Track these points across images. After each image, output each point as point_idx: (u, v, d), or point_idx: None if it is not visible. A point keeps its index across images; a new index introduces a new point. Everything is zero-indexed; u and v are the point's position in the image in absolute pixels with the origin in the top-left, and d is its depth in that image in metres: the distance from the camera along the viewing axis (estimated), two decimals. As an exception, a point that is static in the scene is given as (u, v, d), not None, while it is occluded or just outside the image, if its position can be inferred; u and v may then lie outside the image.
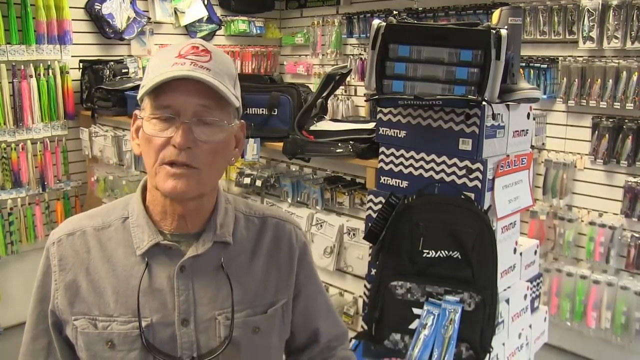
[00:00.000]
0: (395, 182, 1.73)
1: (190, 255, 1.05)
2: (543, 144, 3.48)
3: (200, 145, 0.98)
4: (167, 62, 0.98)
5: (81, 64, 3.66)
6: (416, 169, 1.68)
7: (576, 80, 3.27)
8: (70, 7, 3.55)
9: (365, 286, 1.82)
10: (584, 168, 3.35)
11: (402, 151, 1.70)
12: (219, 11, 4.64)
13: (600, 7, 3.11)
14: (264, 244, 1.15)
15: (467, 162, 1.58)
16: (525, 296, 1.85)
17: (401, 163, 1.71)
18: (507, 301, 1.74)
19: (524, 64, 3.42)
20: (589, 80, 3.23)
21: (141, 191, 1.10)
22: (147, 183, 1.09)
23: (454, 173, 1.61)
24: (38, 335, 1.10)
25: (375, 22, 1.52)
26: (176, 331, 1.04)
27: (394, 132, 1.71)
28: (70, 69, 3.63)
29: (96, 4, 3.72)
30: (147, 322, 1.03)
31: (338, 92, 4.36)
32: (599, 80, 3.18)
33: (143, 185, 1.11)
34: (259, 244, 1.14)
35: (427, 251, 1.54)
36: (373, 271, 1.70)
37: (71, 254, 1.07)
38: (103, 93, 3.33)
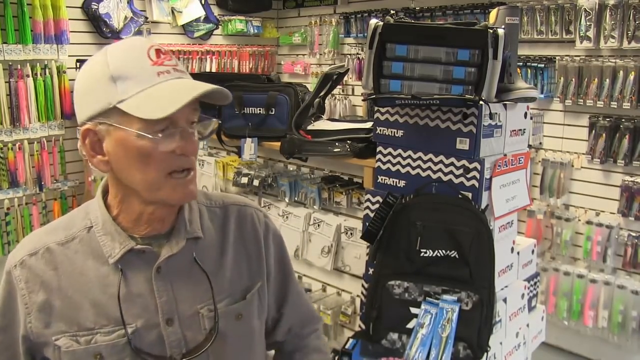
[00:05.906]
0: (393, 181, 1.73)
1: (166, 255, 1.04)
2: (540, 143, 3.48)
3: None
4: (146, 70, 0.95)
5: (78, 64, 3.65)
6: (413, 168, 1.68)
7: (573, 79, 3.28)
8: (67, 7, 3.55)
9: (362, 285, 1.82)
10: (581, 167, 3.35)
11: (400, 150, 1.70)
12: (216, 10, 4.63)
13: (597, 6, 3.12)
14: (230, 232, 1.16)
15: (464, 162, 1.58)
16: (523, 295, 1.85)
17: (398, 162, 1.71)
18: (505, 300, 1.74)
19: (521, 64, 3.42)
20: (586, 79, 3.23)
21: (102, 198, 1.07)
22: (120, 194, 1.04)
23: (451, 172, 1.61)
24: None
25: (373, 21, 1.52)
26: (162, 331, 1.04)
27: (392, 132, 1.71)
28: (67, 68, 3.63)
29: (93, 3, 3.72)
30: (132, 329, 1.02)
31: (335, 91, 4.36)
32: (596, 79, 3.19)
33: (103, 191, 1.07)
34: (225, 233, 1.15)
35: (424, 250, 1.54)
36: (370, 270, 1.71)
37: (38, 274, 1.02)
38: (100, 93, 3.32)
